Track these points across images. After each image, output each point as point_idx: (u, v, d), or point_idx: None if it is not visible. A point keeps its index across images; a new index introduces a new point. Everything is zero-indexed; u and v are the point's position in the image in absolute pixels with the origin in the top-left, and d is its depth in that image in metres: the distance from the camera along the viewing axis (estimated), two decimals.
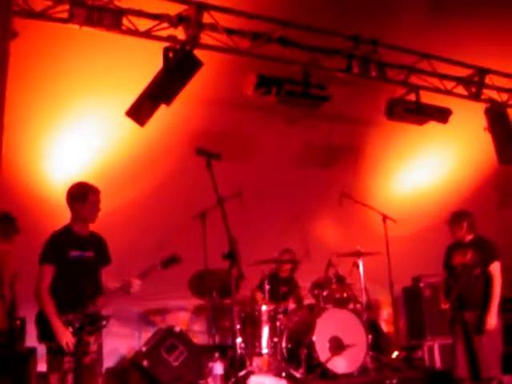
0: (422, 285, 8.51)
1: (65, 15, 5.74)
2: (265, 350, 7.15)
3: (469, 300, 6.27)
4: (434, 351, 8.05)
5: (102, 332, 4.91)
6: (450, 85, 8.09)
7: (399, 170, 9.62)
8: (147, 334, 7.97)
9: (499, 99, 8.44)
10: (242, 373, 6.73)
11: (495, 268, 6.24)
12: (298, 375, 6.78)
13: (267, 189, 8.57)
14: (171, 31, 6.31)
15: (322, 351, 6.85)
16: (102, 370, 5.12)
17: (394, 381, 6.75)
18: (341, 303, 7.54)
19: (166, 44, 6.29)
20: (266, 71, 6.92)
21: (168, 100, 6.31)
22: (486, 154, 8.72)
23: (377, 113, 7.95)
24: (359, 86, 7.88)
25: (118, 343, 8.00)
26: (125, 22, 6.05)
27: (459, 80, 8.14)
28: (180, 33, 6.33)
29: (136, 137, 7.11)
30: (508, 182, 9.97)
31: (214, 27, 6.43)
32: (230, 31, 6.56)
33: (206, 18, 6.35)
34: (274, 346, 7.16)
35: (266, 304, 7.40)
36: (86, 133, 7.12)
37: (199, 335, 8.47)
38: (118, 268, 5.25)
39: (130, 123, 6.36)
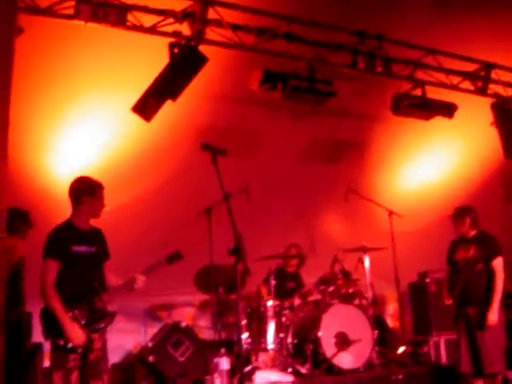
0: (428, 280, 8.53)
1: (70, 11, 5.75)
2: (271, 346, 7.18)
3: (471, 295, 6.28)
4: (440, 347, 8.06)
5: (107, 328, 4.90)
6: (455, 80, 8.05)
7: (405, 166, 9.58)
8: (153, 329, 8.00)
9: (505, 94, 8.38)
10: (248, 368, 6.76)
11: (498, 263, 6.25)
12: (303, 371, 6.80)
13: (273, 184, 8.55)
14: (176, 27, 6.31)
15: (328, 347, 6.86)
16: (107, 367, 5.08)
17: (400, 376, 6.75)
18: (347, 299, 7.53)
19: (172, 40, 6.30)
20: (272, 67, 6.91)
21: (174, 96, 6.32)
22: (492, 149, 8.69)
23: (383, 108, 7.93)
24: (365, 82, 7.84)
25: (124, 339, 8.03)
26: (130, 17, 6.04)
27: (465, 75, 8.09)
28: (185, 28, 6.33)
29: (142, 132, 7.10)
30: None
31: (219, 23, 6.42)
32: (235, 27, 6.54)
33: (211, 14, 6.34)
34: (279, 342, 7.18)
35: (271, 299, 7.41)
36: (91, 129, 7.12)
37: (205, 331, 8.49)
38: (123, 264, 5.26)
39: (136, 119, 6.36)
